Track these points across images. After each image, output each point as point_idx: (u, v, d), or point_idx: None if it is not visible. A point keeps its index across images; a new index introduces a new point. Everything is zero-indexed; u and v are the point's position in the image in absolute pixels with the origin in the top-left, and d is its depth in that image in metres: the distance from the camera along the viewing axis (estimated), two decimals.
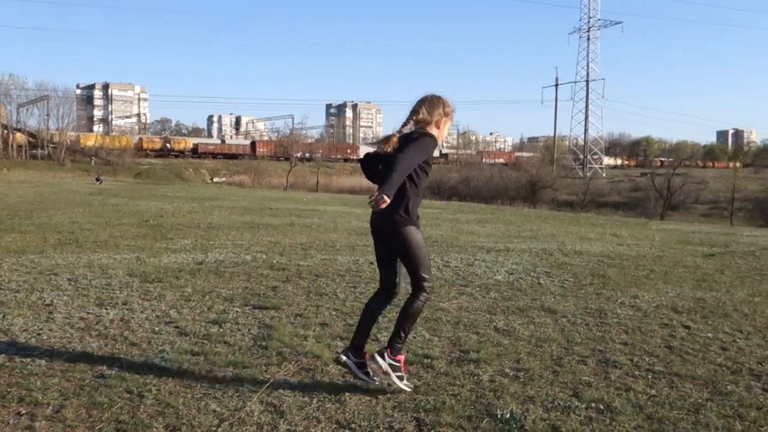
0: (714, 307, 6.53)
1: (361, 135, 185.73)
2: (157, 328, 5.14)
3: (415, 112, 3.92)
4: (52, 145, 76.69)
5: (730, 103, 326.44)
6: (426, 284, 3.88)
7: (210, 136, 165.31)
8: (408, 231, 4.00)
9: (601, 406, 3.71)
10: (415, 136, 3.80)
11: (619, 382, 4.16)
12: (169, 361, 4.29)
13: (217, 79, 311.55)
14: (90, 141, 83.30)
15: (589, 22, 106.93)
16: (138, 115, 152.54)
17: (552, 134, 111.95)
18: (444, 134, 4.10)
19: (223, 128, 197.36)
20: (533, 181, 59.26)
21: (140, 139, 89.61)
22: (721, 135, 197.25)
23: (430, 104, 3.95)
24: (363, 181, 68.86)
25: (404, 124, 3.90)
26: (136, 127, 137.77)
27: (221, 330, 5.14)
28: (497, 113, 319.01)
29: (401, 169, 3.62)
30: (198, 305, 5.99)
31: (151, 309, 5.79)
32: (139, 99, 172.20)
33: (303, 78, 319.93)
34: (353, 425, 3.40)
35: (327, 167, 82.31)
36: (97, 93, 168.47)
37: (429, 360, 4.48)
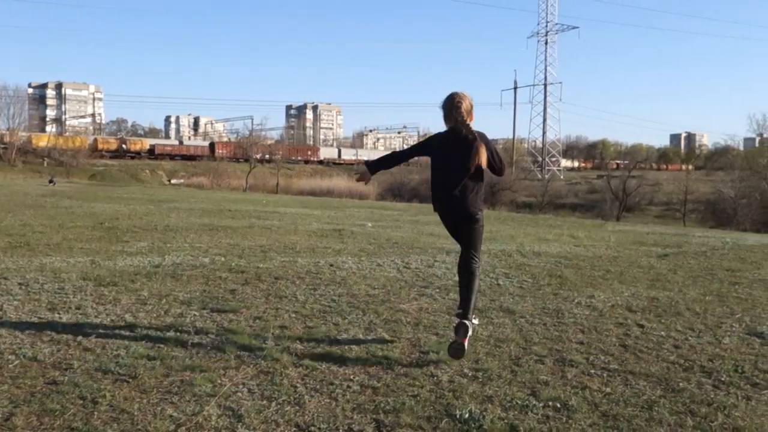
0: (667, 306, 6.68)
1: (322, 136, 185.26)
2: (111, 333, 5.04)
3: (468, 112, 4.72)
4: (2, 146, 74.59)
5: (683, 107, 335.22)
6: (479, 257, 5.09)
7: (167, 137, 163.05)
8: (482, 218, 5.11)
9: (558, 405, 3.77)
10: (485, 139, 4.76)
11: (575, 380, 4.23)
12: (125, 366, 4.21)
13: (175, 80, 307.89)
14: (42, 141, 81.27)
15: (546, 26, 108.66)
16: (93, 115, 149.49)
17: (511, 137, 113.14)
18: None
19: (181, 129, 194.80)
20: (492, 182, 59.72)
21: (95, 140, 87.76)
22: (675, 138, 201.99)
23: (469, 103, 4.73)
24: (323, 183, 68.72)
25: (465, 124, 4.68)
26: (91, 128, 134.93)
27: (178, 334, 5.06)
28: None
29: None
30: (154, 309, 5.90)
31: (106, 313, 5.68)
32: (93, 99, 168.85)
33: (262, 79, 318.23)
34: (312, 428, 3.38)
35: (287, 169, 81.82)
36: (50, 92, 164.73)
37: (389, 361, 4.49)
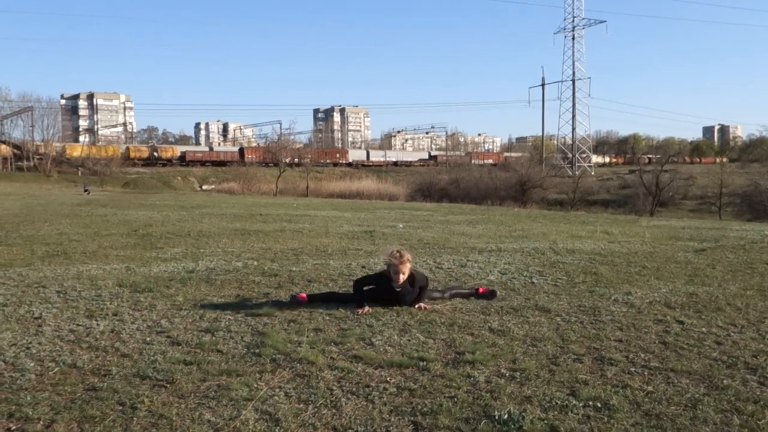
0: (707, 302, 6.54)
1: (350, 139, 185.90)
2: (148, 339, 5.09)
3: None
4: (37, 157, 76.22)
5: (716, 99, 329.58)
6: None
7: (197, 143, 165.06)
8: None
9: (599, 404, 3.70)
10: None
11: (615, 379, 4.15)
12: (162, 372, 4.24)
13: (204, 87, 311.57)
14: (76, 151, 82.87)
15: (573, 21, 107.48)
16: (124, 124, 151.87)
17: (540, 134, 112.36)
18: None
19: (211, 136, 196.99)
20: (523, 180, 59.37)
21: (127, 149, 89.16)
22: (707, 131, 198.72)
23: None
24: (353, 185, 68.91)
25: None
26: (123, 137, 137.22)
27: (214, 338, 5.09)
28: (485, 114, 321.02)
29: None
30: (190, 314, 5.94)
31: (142, 319, 5.74)
32: (124, 108, 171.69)
33: (290, 83, 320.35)
34: (350, 431, 3.37)
35: (316, 172, 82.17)
36: (82, 103, 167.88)
37: (424, 362, 4.46)
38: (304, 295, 6.45)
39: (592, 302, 6.52)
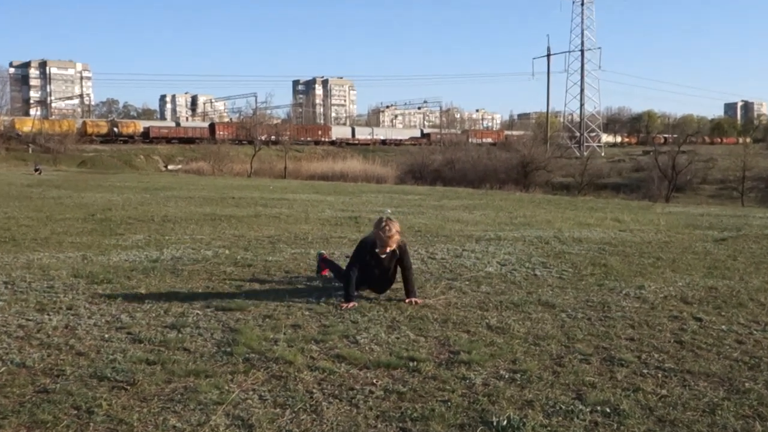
0: (727, 297, 6.59)
1: (333, 114, 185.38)
2: (107, 335, 5.06)
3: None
4: None
5: (739, 73, 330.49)
6: None
7: (163, 118, 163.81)
8: None
9: (608, 409, 3.72)
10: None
11: (626, 381, 4.18)
12: (122, 372, 4.22)
13: (170, 55, 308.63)
14: (26, 126, 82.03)
15: None
16: (80, 96, 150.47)
17: (544, 110, 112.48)
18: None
19: (178, 110, 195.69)
20: (525, 162, 59.51)
21: (84, 123, 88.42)
22: (730, 108, 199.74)
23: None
24: (336, 166, 68.82)
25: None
26: (79, 110, 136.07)
27: (180, 335, 5.07)
28: (483, 88, 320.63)
29: None
30: (153, 308, 5.92)
31: (100, 314, 5.71)
32: (81, 78, 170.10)
33: (266, 52, 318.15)
34: None
35: (296, 151, 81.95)
36: (34, 72, 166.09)
37: (415, 363, 4.46)
38: (326, 255, 7.49)
39: (600, 297, 6.55)
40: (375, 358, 4.59)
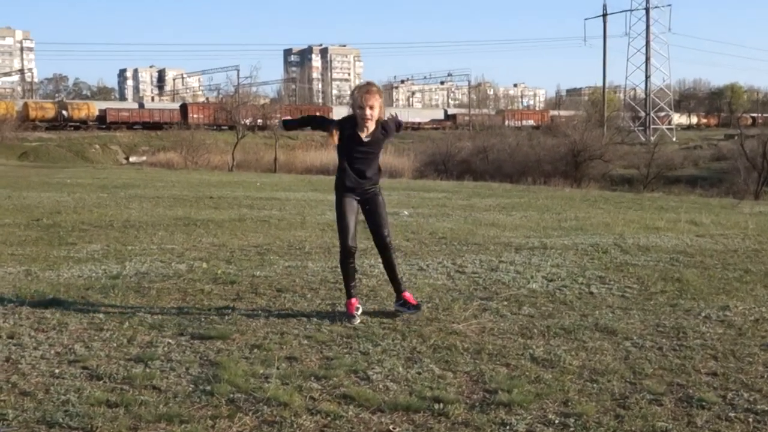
0: None
1: (335, 91, 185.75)
2: (57, 371, 5.09)
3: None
4: None
5: None
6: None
7: (123, 98, 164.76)
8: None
9: None
10: None
11: (708, 428, 4.17)
12: (77, 417, 4.24)
13: (130, 20, 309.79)
14: None
15: None
16: (21, 71, 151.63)
17: (600, 84, 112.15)
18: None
19: (142, 87, 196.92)
20: (576, 150, 59.20)
21: (25, 106, 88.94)
22: None
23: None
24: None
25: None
26: (19, 89, 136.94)
27: (148, 370, 5.09)
28: (523, 58, 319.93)
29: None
30: (114, 336, 5.94)
31: (49, 343, 5.74)
32: (21, 49, 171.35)
33: (251, 15, 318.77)
34: None
35: (288, 138, 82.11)
36: None
37: (441, 405, 4.46)
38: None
39: (674, 320, 6.53)
40: (391, 398, 4.59)
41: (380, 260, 6.99)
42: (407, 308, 6.67)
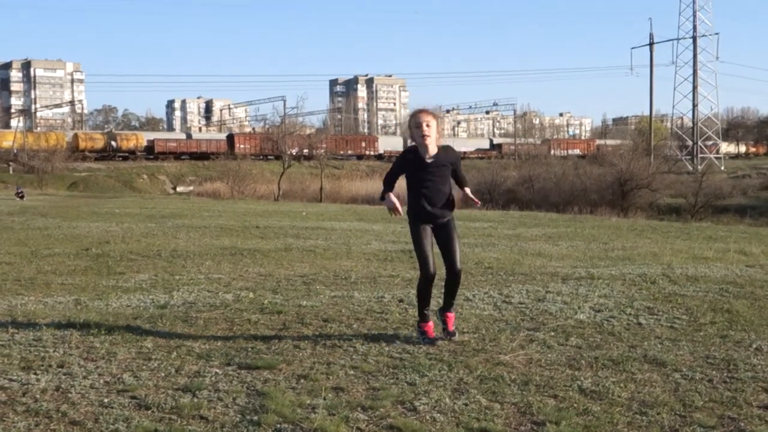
0: None
1: (380, 121, 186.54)
2: (106, 400, 5.13)
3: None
4: None
5: None
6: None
7: (171, 129, 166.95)
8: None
9: None
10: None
11: None
12: None
13: (179, 52, 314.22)
14: (6, 140, 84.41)
15: None
16: (71, 102, 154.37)
17: (647, 113, 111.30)
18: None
19: (189, 118, 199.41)
20: (623, 179, 58.83)
21: (75, 136, 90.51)
22: None
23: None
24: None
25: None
26: (70, 120, 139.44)
27: (196, 400, 5.12)
28: (569, 87, 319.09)
29: None
30: (162, 366, 5.98)
31: (98, 372, 5.79)
32: (72, 81, 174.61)
33: (297, 46, 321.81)
34: None
35: (334, 167, 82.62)
36: (15, 74, 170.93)
37: None
38: None
39: (725, 352, 6.43)
40: (438, 429, 4.57)
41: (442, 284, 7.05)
42: (443, 334, 6.92)
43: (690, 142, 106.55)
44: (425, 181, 6.73)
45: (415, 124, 6.65)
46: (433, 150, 6.66)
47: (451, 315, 7.01)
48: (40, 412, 4.89)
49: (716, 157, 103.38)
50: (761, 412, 4.91)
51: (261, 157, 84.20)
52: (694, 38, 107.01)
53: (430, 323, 6.84)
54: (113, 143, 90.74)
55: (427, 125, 6.59)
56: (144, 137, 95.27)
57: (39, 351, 6.45)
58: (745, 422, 4.71)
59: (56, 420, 4.75)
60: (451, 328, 6.95)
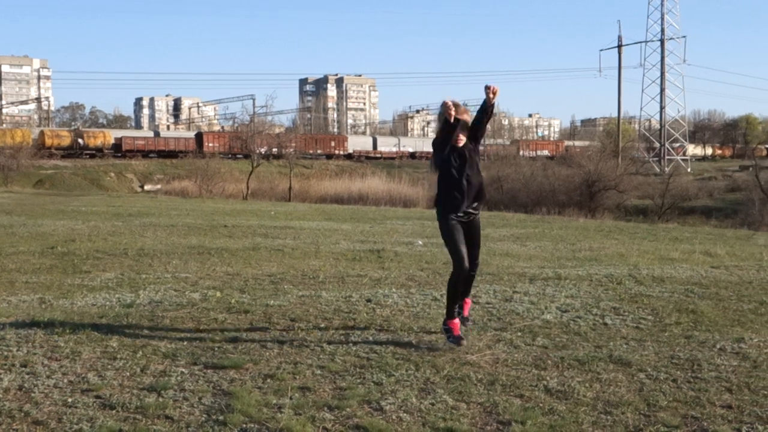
0: None
1: (350, 121, 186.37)
2: (70, 400, 5.10)
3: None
4: None
5: None
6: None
7: (139, 127, 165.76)
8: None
9: None
10: None
11: None
12: None
13: (147, 50, 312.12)
14: None
15: None
16: (38, 99, 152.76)
17: (615, 115, 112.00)
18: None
19: (157, 116, 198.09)
20: (591, 180, 59.13)
21: (41, 134, 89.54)
22: None
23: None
24: (353, 185, 69.03)
25: None
26: (36, 117, 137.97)
27: (161, 399, 5.10)
28: (538, 88, 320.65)
29: None
30: (127, 365, 5.95)
31: (62, 372, 5.75)
32: (38, 78, 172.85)
33: (267, 45, 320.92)
34: None
35: (303, 167, 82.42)
36: None
37: None
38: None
39: (689, 352, 6.50)
40: (404, 429, 4.58)
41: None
42: (461, 328, 6.96)
43: (657, 144, 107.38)
44: (460, 167, 7.02)
45: (446, 111, 6.82)
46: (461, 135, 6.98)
47: (468, 300, 7.42)
48: (2, 412, 4.85)
49: (683, 159, 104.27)
50: (724, 412, 4.96)
51: (230, 155, 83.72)
52: (662, 41, 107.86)
53: (456, 320, 6.85)
54: (80, 141, 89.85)
55: (455, 105, 6.86)
56: (111, 135, 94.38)
57: (2, 350, 6.39)
58: (708, 422, 4.76)
59: (19, 420, 4.71)
60: (467, 313, 7.31)
